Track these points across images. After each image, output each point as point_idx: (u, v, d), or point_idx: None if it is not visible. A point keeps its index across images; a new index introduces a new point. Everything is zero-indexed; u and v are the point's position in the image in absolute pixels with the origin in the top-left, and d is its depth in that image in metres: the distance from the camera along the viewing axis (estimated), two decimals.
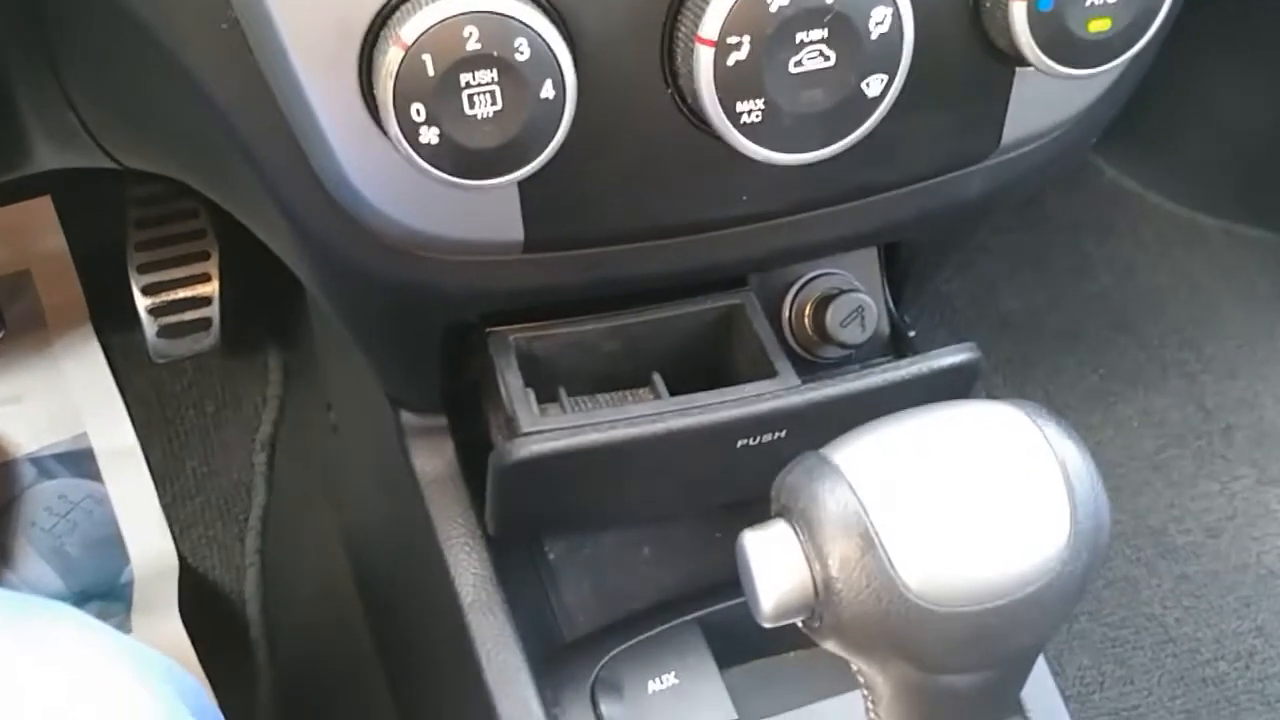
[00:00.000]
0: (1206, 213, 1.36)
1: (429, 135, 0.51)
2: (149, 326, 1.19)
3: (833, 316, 0.67)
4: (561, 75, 0.51)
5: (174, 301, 1.19)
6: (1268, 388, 1.28)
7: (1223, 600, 1.17)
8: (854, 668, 0.54)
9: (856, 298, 0.67)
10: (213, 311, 1.20)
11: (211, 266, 1.20)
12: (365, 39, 0.52)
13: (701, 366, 0.68)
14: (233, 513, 1.22)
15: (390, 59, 0.50)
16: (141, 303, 1.19)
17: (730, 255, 0.64)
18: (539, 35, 0.50)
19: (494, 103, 0.50)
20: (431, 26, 0.49)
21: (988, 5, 0.56)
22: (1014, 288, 1.30)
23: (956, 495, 0.49)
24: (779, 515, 0.51)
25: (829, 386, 0.63)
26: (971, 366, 0.65)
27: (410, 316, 0.68)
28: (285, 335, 1.29)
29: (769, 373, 0.65)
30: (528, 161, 0.52)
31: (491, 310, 0.67)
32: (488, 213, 0.58)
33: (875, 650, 0.51)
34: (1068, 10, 0.54)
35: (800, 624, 0.52)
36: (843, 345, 0.68)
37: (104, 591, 1.18)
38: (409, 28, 0.49)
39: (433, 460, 0.76)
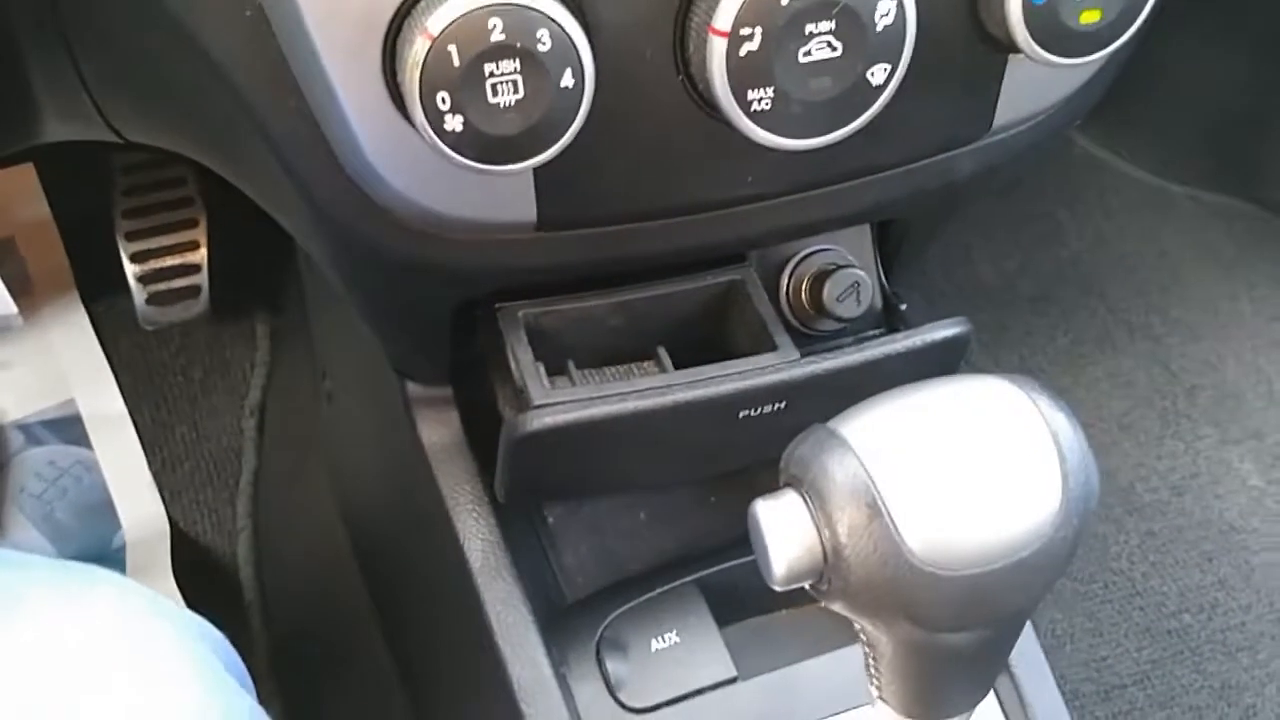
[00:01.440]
0: (1174, 180, 1.40)
1: (453, 123, 0.52)
2: (138, 294, 1.20)
3: (829, 291, 0.69)
4: (581, 65, 0.53)
5: (163, 269, 1.20)
6: (1230, 350, 1.32)
7: (1187, 555, 1.22)
8: (857, 627, 0.57)
9: (852, 273, 0.70)
10: (202, 279, 1.21)
11: (200, 233, 1.20)
12: (389, 27, 0.53)
13: (703, 339, 0.71)
14: (223, 478, 1.23)
15: (417, 49, 0.51)
16: (130, 270, 1.19)
17: (732, 233, 0.67)
18: (560, 26, 0.52)
19: (516, 91, 0.52)
20: (458, 18, 0.51)
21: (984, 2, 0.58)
22: (988, 254, 1.34)
23: (957, 465, 0.53)
24: (788, 485, 0.54)
25: (829, 360, 0.66)
26: (963, 339, 0.68)
27: (423, 293, 0.70)
28: (273, 301, 1.30)
29: (769, 346, 0.68)
30: (546, 147, 0.54)
31: (502, 287, 0.69)
32: (502, 194, 0.60)
33: (880, 611, 0.54)
34: (1061, 3, 0.57)
35: (808, 587, 0.55)
36: (839, 319, 0.70)
37: (96, 557, 1.20)
38: (436, 19, 0.51)
39: (439, 430, 0.78)
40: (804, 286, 0.71)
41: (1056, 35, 0.58)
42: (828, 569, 0.53)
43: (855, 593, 0.53)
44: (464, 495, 0.77)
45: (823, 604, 0.55)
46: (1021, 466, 0.53)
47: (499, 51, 0.51)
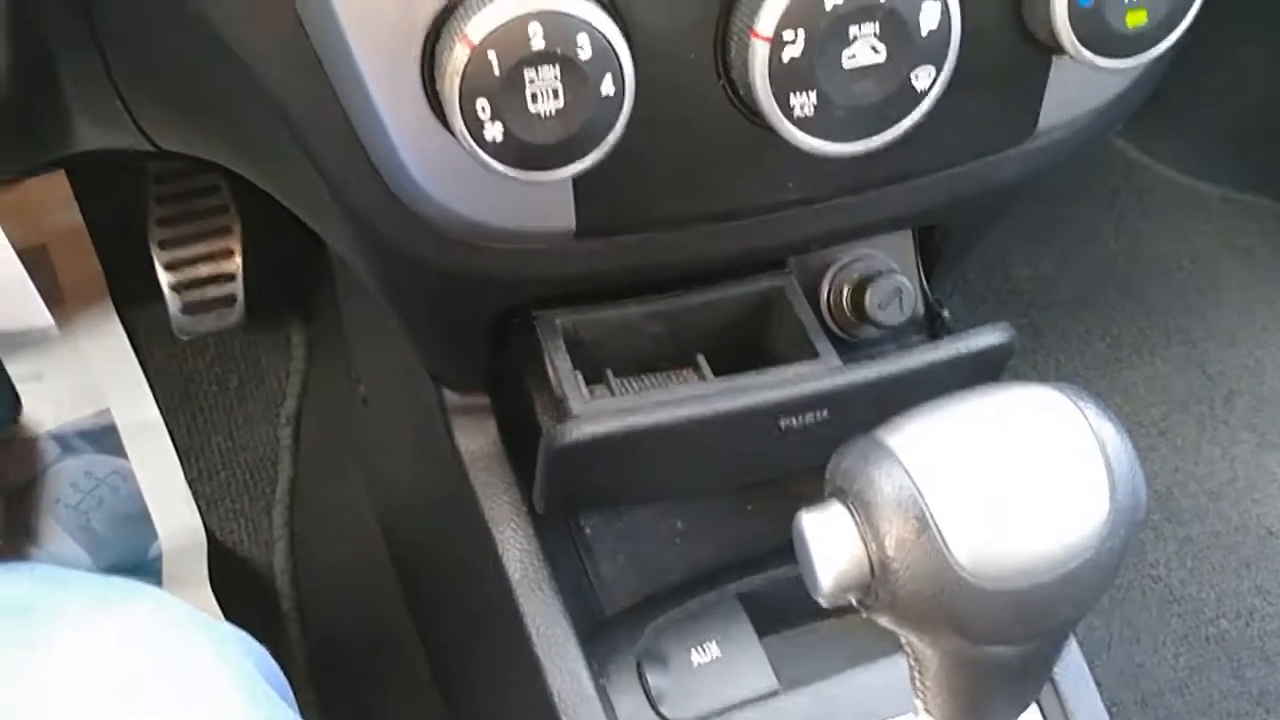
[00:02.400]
0: (1209, 182, 1.38)
1: (493, 131, 0.52)
2: (173, 303, 1.20)
3: (871, 298, 0.69)
4: (621, 72, 0.52)
5: (197, 278, 1.20)
6: (1268, 354, 1.30)
7: (1224, 561, 1.20)
8: (902, 639, 0.56)
9: (895, 279, 0.69)
10: (236, 287, 1.21)
11: (234, 241, 1.20)
12: (428, 35, 0.53)
13: (743, 347, 0.70)
14: (259, 487, 1.23)
15: (457, 56, 0.51)
16: (165, 279, 1.20)
17: (773, 239, 0.66)
18: (600, 33, 0.51)
19: (556, 99, 0.52)
20: (499, 25, 0.50)
21: (1029, 4, 0.57)
22: (1023, 257, 1.32)
23: (1004, 476, 0.52)
24: (834, 497, 0.54)
25: (871, 368, 0.65)
26: (1006, 347, 0.67)
27: (460, 301, 0.69)
28: (307, 309, 1.30)
29: (810, 354, 0.67)
30: (586, 155, 0.54)
31: (540, 294, 0.69)
32: (542, 202, 0.60)
33: (927, 624, 0.53)
34: (1106, 4, 0.56)
35: (854, 601, 0.54)
36: (881, 326, 0.70)
37: (133, 567, 1.20)
38: (475, 26, 0.51)
39: (476, 438, 0.78)
40: (845, 293, 0.71)
41: (1102, 37, 0.57)
42: (875, 582, 0.52)
43: (902, 606, 0.52)
44: (502, 505, 0.76)
45: (867, 616, 0.54)
46: (1069, 476, 0.52)
47: (539, 58, 0.51)
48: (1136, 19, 0.57)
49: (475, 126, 0.52)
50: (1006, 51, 0.59)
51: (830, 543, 0.52)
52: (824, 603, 0.53)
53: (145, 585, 0.61)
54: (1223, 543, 1.22)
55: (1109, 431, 0.53)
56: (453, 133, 0.53)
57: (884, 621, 0.54)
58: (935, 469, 0.52)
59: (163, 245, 1.21)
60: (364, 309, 1.02)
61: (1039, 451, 0.52)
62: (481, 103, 0.52)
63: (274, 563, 1.19)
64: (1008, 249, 1.33)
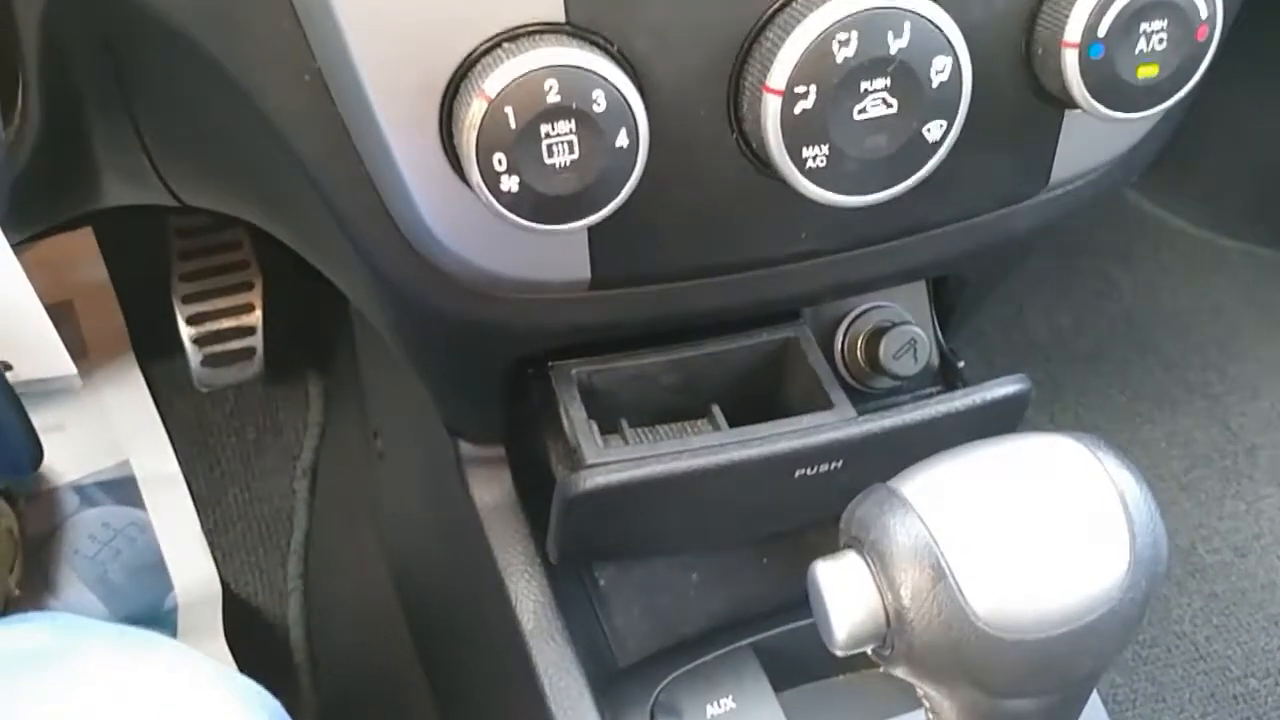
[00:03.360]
0: (1226, 236, 1.38)
1: (509, 183, 0.53)
2: (194, 356, 1.21)
3: (886, 349, 0.69)
4: (635, 125, 0.53)
5: (219, 331, 1.21)
6: None
7: (1251, 618, 1.18)
8: (920, 691, 0.55)
9: (909, 330, 0.69)
10: (256, 340, 1.22)
11: (255, 296, 1.22)
12: (447, 92, 0.54)
13: (758, 397, 0.70)
14: (275, 539, 1.24)
15: (474, 111, 0.52)
16: (186, 332, 1.21)
17: (787, 290, 0.66)
18: (615, 87, 0.52)
19: (572, 152, 0.53)
20: (515, 79, 0.51)
21: (1040, 52, 0.58)
22: (1040, 310, 1.32)
23: (1022, 526, 0.51)
24: (849, 546, 0.53)
25: (886, 418, 0.65)
26: (1022, 397, 0.67)
27: (477, 352, 0.70)
28: (325, 363, 1.31)
29: (825, 404, 0.67)
30: (601, 206, 0.55)
31: (556, 345, 0.69)
32: (557, 253, 0.60)
33: (944, 676, 0.52)
34: (1117, 57, 0.56)
35: (870, 652, 0.54)
36: (896, 377, 0.70)
37: (148, 618, 1.20)
38: (492, 81, 0.51)
39: (491, 490, 0.78)
40: (859, 344, 0.71)
41: (1113, 90, 0.57)
42: (890, 633, 0.52)
43: (919, 657, 0.52)
44: (516, 556, 0.76)
45: (884, 669, 0.54)
46: (1088, 527, 0.52)
47: (555, 113, 0.52)
48: (1147, 72, 0.57)
49: (492, 179, 0.53)
50: (1018, 104, 0.59)
51: (845, 593, 0.52)
52: (839, 653, 0.53)
53: (162, 636, 0.61)
54: (1249, 599, 1.20)
55: (1128, 481, 0.53)
56: (470, 185, 0.54)
57: (900, 673, 0.53)
58: (951, 518, 0.51)
59: (185, 299, 1.23)
60: (381, 364, 1.02)
61: (1056, 501, 0.52)
62: (498, 156, 0.52)
63: (287, 614, 1.18)
64: (1025, 303, 1.32)
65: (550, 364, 0.70)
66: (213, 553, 1.22)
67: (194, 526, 1.24)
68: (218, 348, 1.23)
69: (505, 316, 0.65)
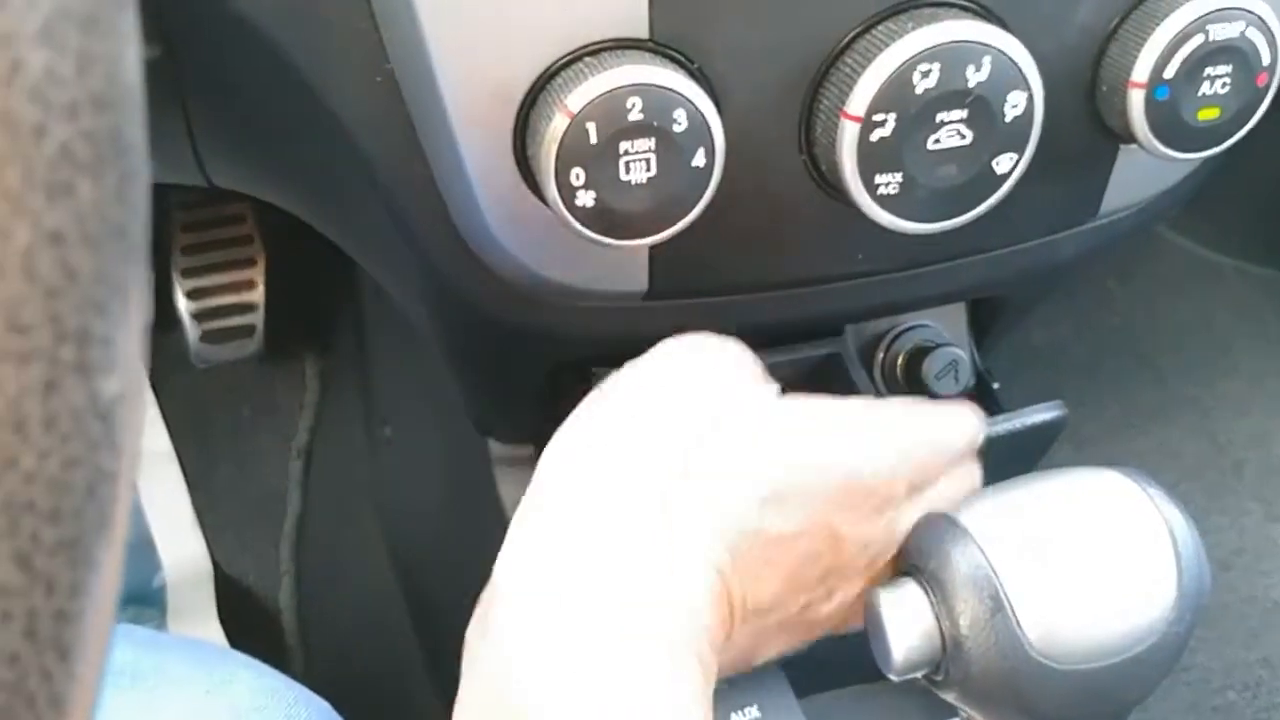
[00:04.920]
0: (1223, 253, 1.41)
1: (585, 199, 0.53)
2: (192, 331, 1.20)
3: (928, 368, 0.70)
4: (713, 144, 0.53)
5: (219, 307, 1.20)
6: (1277, 425, 1.32)
7: (1232, 631, 1.21)
8: (963, 715, 0.56)
9: (951, 351, 0.70)
10: (257, 318, 1.21)
11: (257, 273, 1.20)
12: (524, 101, 0.54)
13: None
14: (267, 520, 1.23)
15: (555, 125, 0.52)
16: (186, 307, 1.19)
17: (836, 307, 0.67)
18: (696, 107, 0.52)
19: (649, 170, 0.53)
20: (599, 96, 0.51)
21: (1104, 90, 0.58)
22: (1040, 318, 1.33)
23: (1075, 558, 0.53)
24: (907, 574, 0.54)
25: None
26: (1060, 423, 0.68)
27: (519, 355, 0.70)
28: (324, 343, 1.30)
29: None
30: (672, 224, 0.55)
31: (599, 352, 0.69)
32: (616, 264, 0.60)
33: (994, 702, 0.53)
34: (1182, 99, 0.57)
35: (922, 677, 0.54)
36: (935, 397, 0.70)
37: (138, 596, 1.19)
38: (576, 96, 0.51)
39: (519, 489, 0.77)
40: (899, 361, 0.71)
41: (1175, 130, 0.58)
42: (946, 659, 0.53)
43: (972, 684, 0.53)
44: None
45: (939, 693, 0.55)
46: (1138, 561, 0.53)
47: (636, 130, 0.52)
48: (1209, 114, 0.58)
49: (568, 194, 0.53)
50: (1079, 138, 0.60)
51: (904, 619, 0.53)
52: (894, 678, 0.54)
53: (239, 654, 0.62)
54: (1231, 613, 1.22)
55: (1176, 517, 0.54)
56: (541, 197, 0.54)
57: (950, 697, 0.54)
58: (1009, 549, 0.52)
59: (185, 273, 1.21)
60: (394, 352, 1.02)
61: (1108, 535, 0.53)
62: (576, 171, 0.52)
63: (280, 597, 1.18)
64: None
65: (593, 369, 0.69)
66: (203, 532, 1.21)
67: (185, 505, 1.22)
68: (217, 323, 1.21)
69: (554, 323, 0.65)
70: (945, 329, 0.73)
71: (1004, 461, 0.71)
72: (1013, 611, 0.51)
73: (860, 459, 0.52)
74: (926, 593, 0.53)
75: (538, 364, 0.70)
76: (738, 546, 0.50)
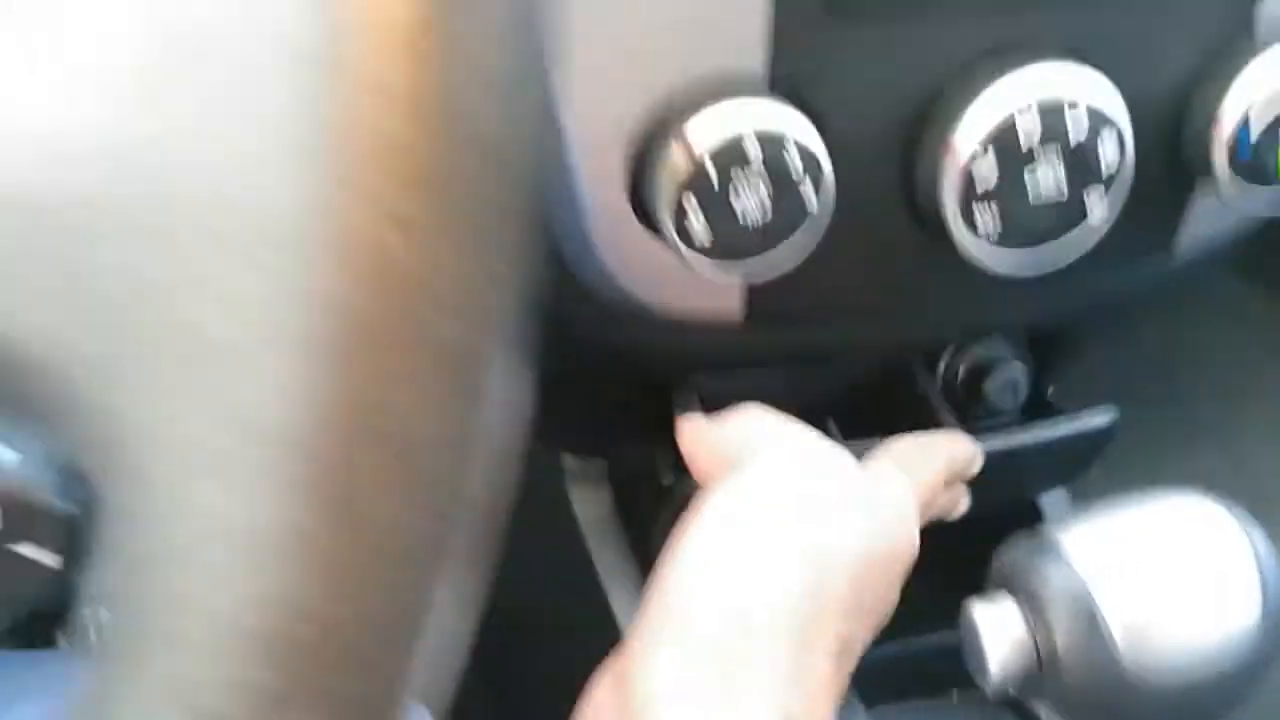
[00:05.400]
0: (1251, 281, 1.43)
1: (702, 239, 0.55)
2: None
3: (991, 383, 0.74)
4: (826, 188, 0.56)
5: None
6: None
7: None
8: None
9: (1014, 368, 0.74)
10: None
11: None
12: (645, 135, 0.56)
13: (870, 414, 0.74)
14: None
15: (677, 164, 0.54)
16: None
17: (914, 333, 0.70)
18: (812, 153, 0.55)
19: (764, 214, 0.55)
20: (722, 140, 0.54)
21: (1189, 131, 0.61)
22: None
23: (1167, 579, 0.56)
24: (1003, 589, 0.57)
25: (996, 439, 0.69)
26: (1110, 429, 0.72)
27: (604, 373, 0.72)
28: None
29: (936, 424, 0.71)
30: (784, 267, 0.57)
31: (683, 370, 0.72)
32: (715, 291, 0.63)
33: (1086, 717, 0.56)
34: (1263, 142, 0.60)
35: (1012, 690, 0.57)
36: (995, 411, 0.74)
37: None
38: (698, 136, 0.54)
39: (593, 505, 0.80)
40: (960, 373, 0.75)
41: (1257, 173, 0.61)
42: (1042, 675, 0.56)
43: (1066, 699, 0.56)
44: (617, 570, 0.79)
45: (1032, 707, 0.57)
46: (1225, 582, 0.56)
47: (756, 173, 0.54)
48: None
49: (684, 233, 0.55)
50: (1161, 178, 0.63)
51: (1001, 635, 0.56)
52: (989, 693, 0.56)
53: None
54: None
55: (1261, 541, 0.58)
56: (655, 228, 0.57)
57: (1043, 712, 0.57)
58: (1105, 569, 0.55)
59: None
60: None
61: (1198, 557, 0.56)
62: (695, 211, 0.55)
63: None
64: None
65: (674, 390, 0.72)
66: None
67: None
68: None
69: (644, 342, 0.67)
70: (1005, 342, 0.76)
71: (1056, 465, 0.74)
72: (1108, 629, 0.54)
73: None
74: (1023, 610, 0.56)
75: (620, 382, 0.72)
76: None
